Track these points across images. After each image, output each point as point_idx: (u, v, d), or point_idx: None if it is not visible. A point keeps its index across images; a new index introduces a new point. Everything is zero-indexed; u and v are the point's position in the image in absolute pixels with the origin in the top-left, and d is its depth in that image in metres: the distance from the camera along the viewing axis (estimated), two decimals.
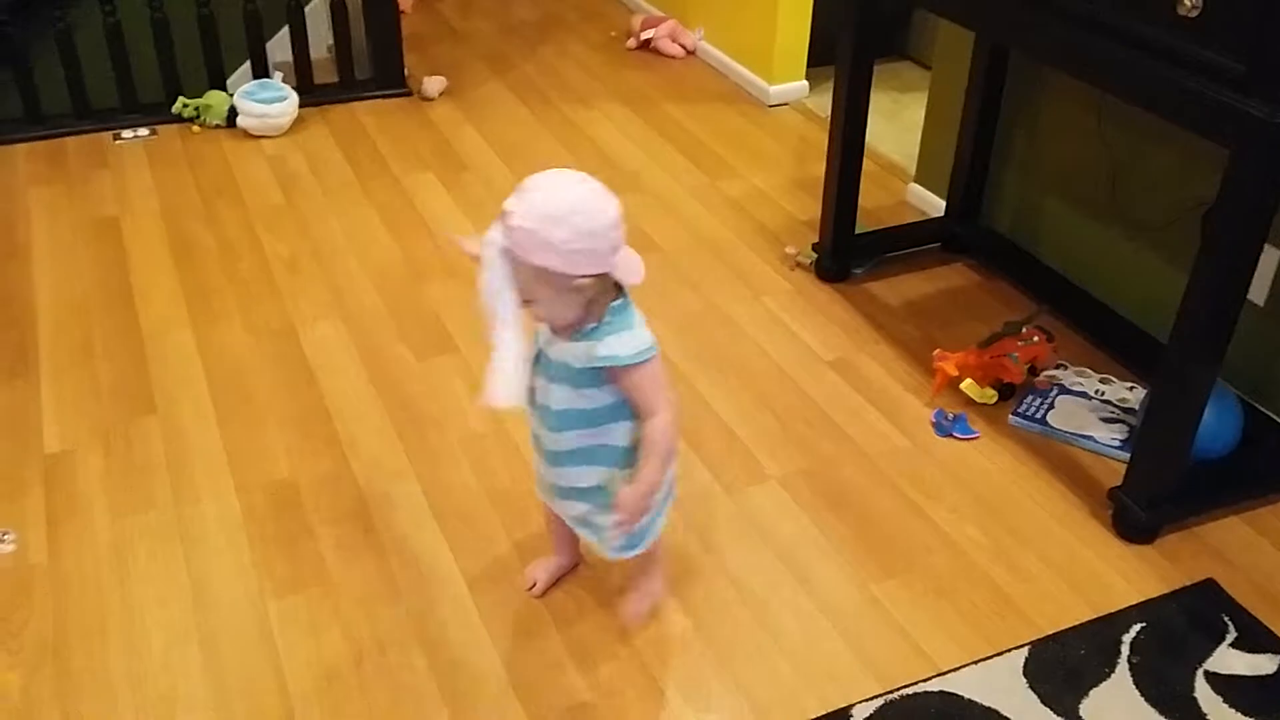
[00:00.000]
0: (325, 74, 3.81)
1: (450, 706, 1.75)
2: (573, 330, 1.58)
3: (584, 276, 1.50)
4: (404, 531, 2.07)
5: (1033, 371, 2.49)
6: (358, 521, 2.09)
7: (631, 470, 1.63)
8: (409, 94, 3.82)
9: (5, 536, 2.02)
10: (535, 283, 1.51)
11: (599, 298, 1.55)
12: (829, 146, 2.74)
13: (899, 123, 3.66)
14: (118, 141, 3.44)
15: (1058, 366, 2.51)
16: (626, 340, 1.55)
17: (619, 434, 1.64)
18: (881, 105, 3.71)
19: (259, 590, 1.94)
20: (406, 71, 3.85)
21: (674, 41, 4.22)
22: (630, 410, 1.61)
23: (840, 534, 2.10)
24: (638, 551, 1.78)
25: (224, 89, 3.61)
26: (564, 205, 1.48)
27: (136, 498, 2.13)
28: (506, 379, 1.57)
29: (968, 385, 2.41)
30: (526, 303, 1.54)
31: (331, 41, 3.82)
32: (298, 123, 3.56)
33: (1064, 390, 2.44)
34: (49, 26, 3.36)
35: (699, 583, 1.99)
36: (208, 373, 2.47)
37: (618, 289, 1.58)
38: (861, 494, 2.20)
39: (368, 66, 3.83)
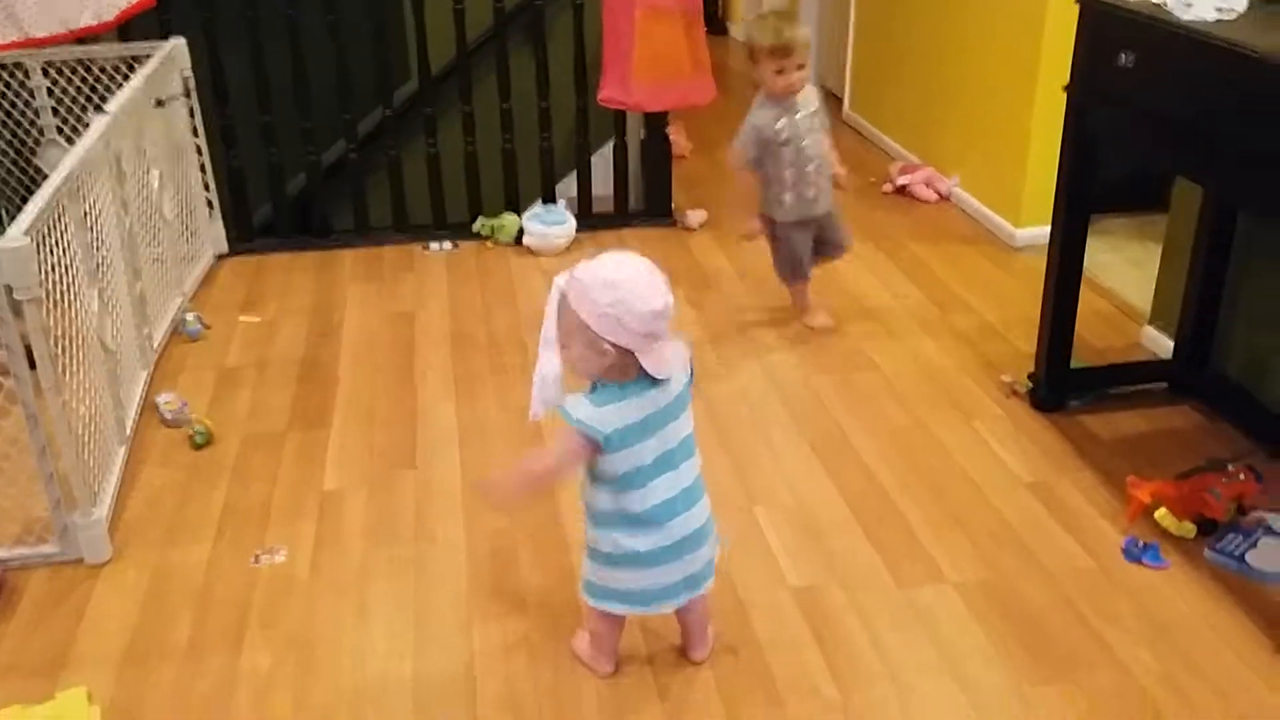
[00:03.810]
0: (603, 205, 4.30)
1: None
2: (590, 384, 1.82)
3: (611, 344, 1.71)
4: None
5: (1240, 511, 2.44)
6: (562, 572, 2.37)
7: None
8: (674, 224, 4.23)
9: (279, 550, 2.46)
10: (573, 331, 1.74)
11: (619, 368, 1.75)
12: (1045, 281, 2.85)
13: (1146, 271, 3.66)
14: (425, 251, 4.05)
15: (1268, 509, 2.45)
16: (581, 403, 1.77)
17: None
18: (1133, 253, 3.74)
19: (469, 619, 2.25)
20: (674, 205, 4.28)
21: (929, 187, 4.43)
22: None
23: (1005, 639, 2.15)
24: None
25: (516, 212, 4.17)
26: (619, 277, 1.71)
27: (386, 533, 2.52)
28: (541, 389, 1.82)
29: (1162, 515, 2.40)
30: (563, 347, 1.78)
31: (610, 176, 4.32)
32: (574, 244, 4.04)
33: (1270, 532, 2.37)
34: (383, 154, 4.06)
35: (852, 663, 2.10)
36: (461, 440, 2.87)
37: (644, 374, 1.76)
38: (1035, 605, 2.24)
39: (641, 199, 4.30)
